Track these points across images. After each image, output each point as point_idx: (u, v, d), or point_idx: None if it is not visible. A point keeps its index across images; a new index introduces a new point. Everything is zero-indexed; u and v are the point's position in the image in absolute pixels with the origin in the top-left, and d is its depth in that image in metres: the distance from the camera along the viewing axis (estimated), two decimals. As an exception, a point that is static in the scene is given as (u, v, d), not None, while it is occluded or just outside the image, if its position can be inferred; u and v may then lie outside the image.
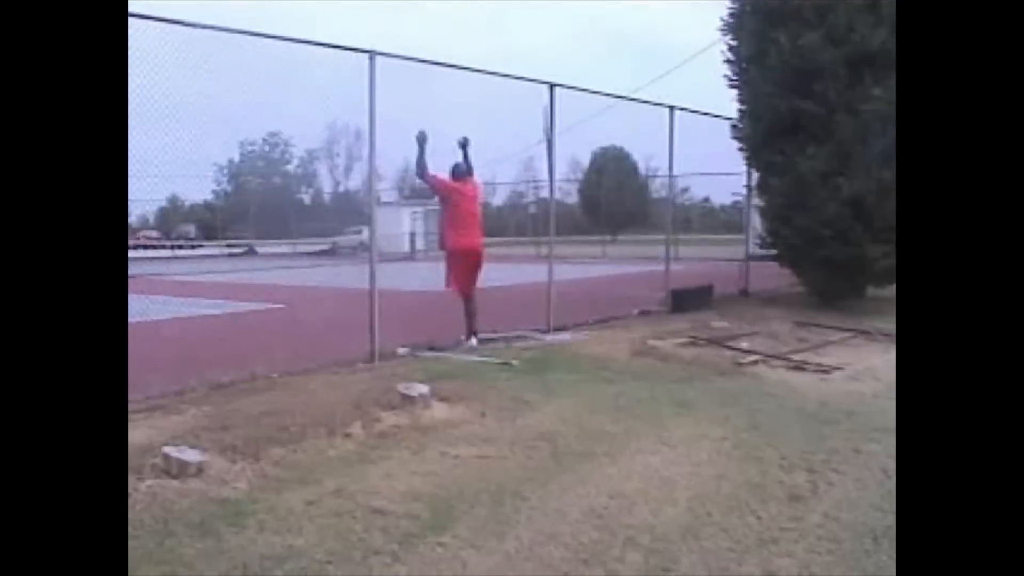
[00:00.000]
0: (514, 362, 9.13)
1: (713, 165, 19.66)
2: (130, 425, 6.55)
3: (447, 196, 10.62)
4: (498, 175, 57.11)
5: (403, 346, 9.91)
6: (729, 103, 15.44)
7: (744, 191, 18.12)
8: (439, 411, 6.97)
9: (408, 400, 6.94)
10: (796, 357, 9.76)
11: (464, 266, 10.68)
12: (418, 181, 11.39)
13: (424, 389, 7.15)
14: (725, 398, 7.76)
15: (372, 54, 9.24)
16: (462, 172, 10.67)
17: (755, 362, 9.54)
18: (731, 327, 12.01)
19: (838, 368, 9.12)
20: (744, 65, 14.65)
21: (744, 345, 10.55)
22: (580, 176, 57.73)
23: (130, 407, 7.03)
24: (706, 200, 54.80)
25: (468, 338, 10.61)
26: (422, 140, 10.17)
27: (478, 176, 11.17)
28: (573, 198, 61.17)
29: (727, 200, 47.25)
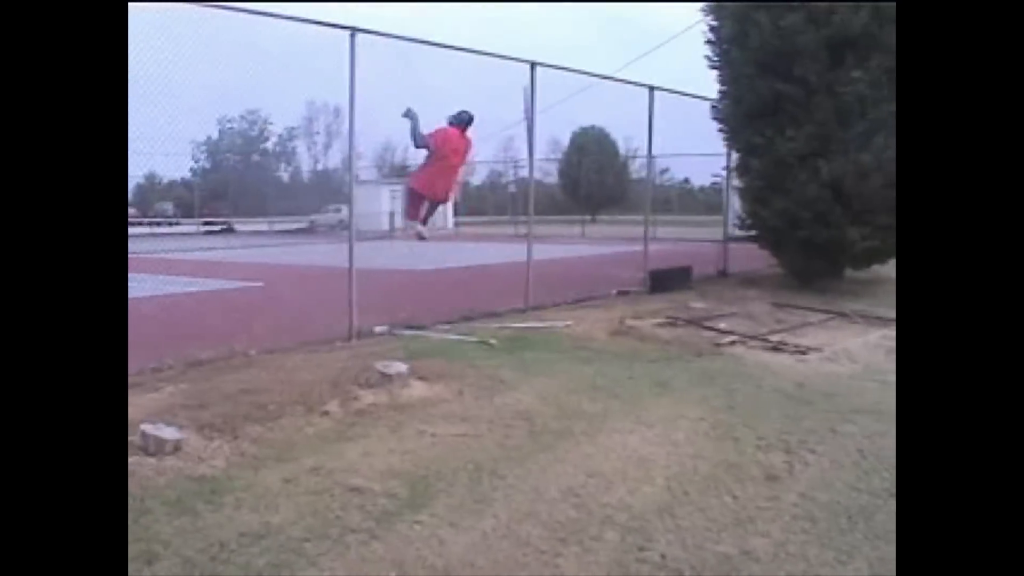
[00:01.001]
0: (492, 341, 9.14)
1: (693, 146, 19.69)
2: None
3: (438, 152, 10.36)
4: (477, 154, 56.87)
5: (381, 324, 9.88)
6: (712, 84, 15.45)
7: (724, 172, 18.15)
8: (417, 389, 6.96)
9: (386, 378, 6.92)
10: (774, 338, 9.80)
11: (417, 202, 10.40)
12: (414, 149, 11.13)
13: (402, 367, 7.14)
14: (703, 378, 7.79)
15: (353, 31, 9.20)
16: (464, 121, 10.38)
17: (733, 343, 9.57)
18: (710, 308, 12.04)
19: (815, 349, 9.16)
20: (725, 46, 14.61)
21: (722, 326, 10.57)
22: (560, 156, 57.75)
23: (106, 384, 7.02)
24: (686, 181, 54.97)
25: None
26: (413, 115, 10.01)
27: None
28: (553, 178, 61.17)
29: (707, 181, 47.47)
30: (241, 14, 8.58)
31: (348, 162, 10.80)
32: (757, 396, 7.14)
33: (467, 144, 10.32)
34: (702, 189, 54.31)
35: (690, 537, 4.19)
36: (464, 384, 7.20)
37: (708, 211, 44.19)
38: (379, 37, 9.72)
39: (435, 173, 10.12)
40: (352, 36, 9.21)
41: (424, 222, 10.57)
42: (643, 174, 51.69)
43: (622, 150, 56.06)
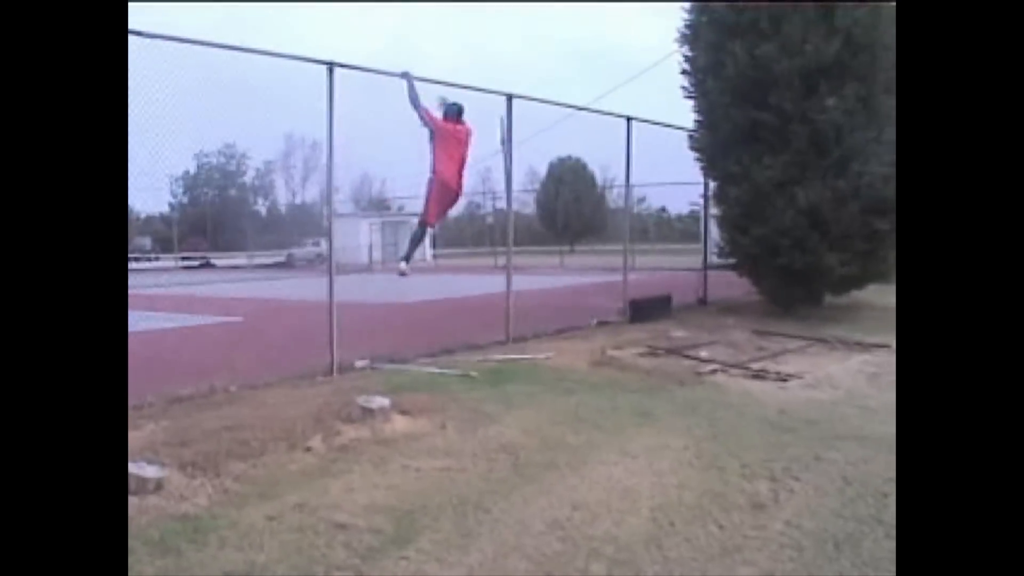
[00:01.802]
0: (473, 373, 9.11)
1: (669, 175, 19.74)
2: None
3: (438, 134, 10.29)
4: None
5: (362, 358, 9.85)
6: (688, 113, 15.55)
7: (701, 201, 18.23)
8: (400, 424, 6.94)
9: (368, 413, 6.89)
10: (755, 366, 9.82)
11: (440, 196, 10.35)
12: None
13: (384, 402, 7.11)
14: (685, 408, 7.79)
15: (331, 65, 9.24)
16: (453, 112, 10.31)
17: (714, 371, 9.58)
18: (690, 336, 12.07)
19: (797, 376, 9.18)
20: (700, 76, 14.72)
21: (703, 354, 10.59)
22: (537, 187, 57.92)
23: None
24: (663, 210, 55.19)
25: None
26: (410, 77, 9.95)
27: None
28: (530, 208, 61.33)
29: (683, 209, 47.65)
30: (216, 49, 8.59)
31: (327, 196, 10.78)
32: (740, 424, 7.14)
33: (466, 132, 10.27)
34: (679, 217, 54.59)
35: (678, 568, 4.18)
36: (447, 417, 7.17)
37: (685, 239, 44.38)
38: (356, 71, 9.73)
39: (444, 159, 10.04)
40: (330, 71, 9.24)
41: (408, 259, 10.60)
42: (620, 204, 52.11)
43: (599, 180, 56.38)
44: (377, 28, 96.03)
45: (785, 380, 9.06)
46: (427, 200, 10.11)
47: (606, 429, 6.94)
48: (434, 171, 9.96)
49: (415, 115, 9.87)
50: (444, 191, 10.08)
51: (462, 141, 10.14)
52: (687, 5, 15.07)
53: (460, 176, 10.20)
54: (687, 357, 10.46)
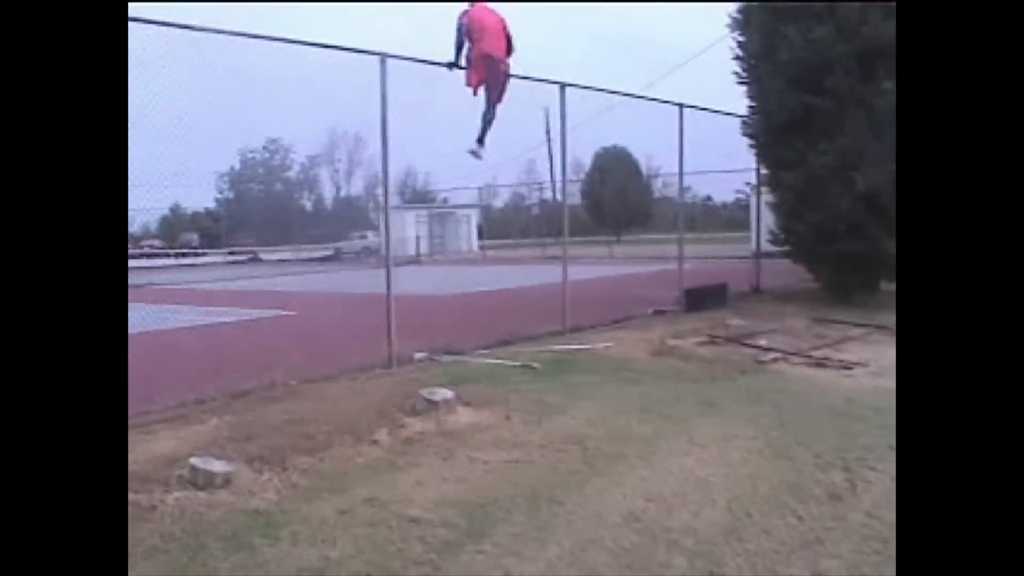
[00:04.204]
0: (534, 364, 9.04)
1: (713, 162, 19.52)
2: (152, 435, 6.52)
3: (471, 25, 10.44)
4: (499, 178, 57.21)
5: (420, 350, 9.80)
6: (727, 101, 15.40)
7: (749, 188, 18.03)
8: (464, 416, 6.88)
9: (432, 405, 6.84)
10: (816, 354, 9.67)
11: (489, 68, 10.49)
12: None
13: (448, 394, 7.06)
14: (750, 396, 7.68)
15: (383, 56, 9.16)
16: None
17: (776, 360, 9.45)
18: (748, 325, 11.92)
19: (860, 364, 9.03)
20: (753, 61, 14.54)
21: (763, 343, 10.45)
22: (582, 177, 57.78)
23: (151, 417, 7.01)
24: (708, 198, 54.84)
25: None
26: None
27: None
28: (575, 199, 61.29)
29: (728, 197, 47.35)
30: (265, 41, 8.56)
31: (383, 187, 10.72)
32: (807, 413, 7.02)
33: (498, 16, 10.57)
34: (724, 205, 54.28)
35: (760, 560, 4.08)
36: (511, 409, 7.11)
37: (731, 227, 44.10)
38: (405, 62, 9.69)
39: (484, 40, 10.33)
40: (383, 62, 9.17)
41: (481, 140, 10.74)
42: (665, 192, 52.19)
43: (644, 169, 56.21)
44: (408, 20, 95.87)
45: (849, 368, 8.91)
46: (485, 87, 10.46)
47: (672, 419, 6.84)
48: (478, 53, 10.32)
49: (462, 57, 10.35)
50: (491, 64, 10.37)
51: (495, 17, 10.52)
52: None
53: (503, 50, 10.55)
54: (747, 346, 10.33)
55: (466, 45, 10.31)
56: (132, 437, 6.28)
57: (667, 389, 7.98)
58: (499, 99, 10.61)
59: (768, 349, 10.02)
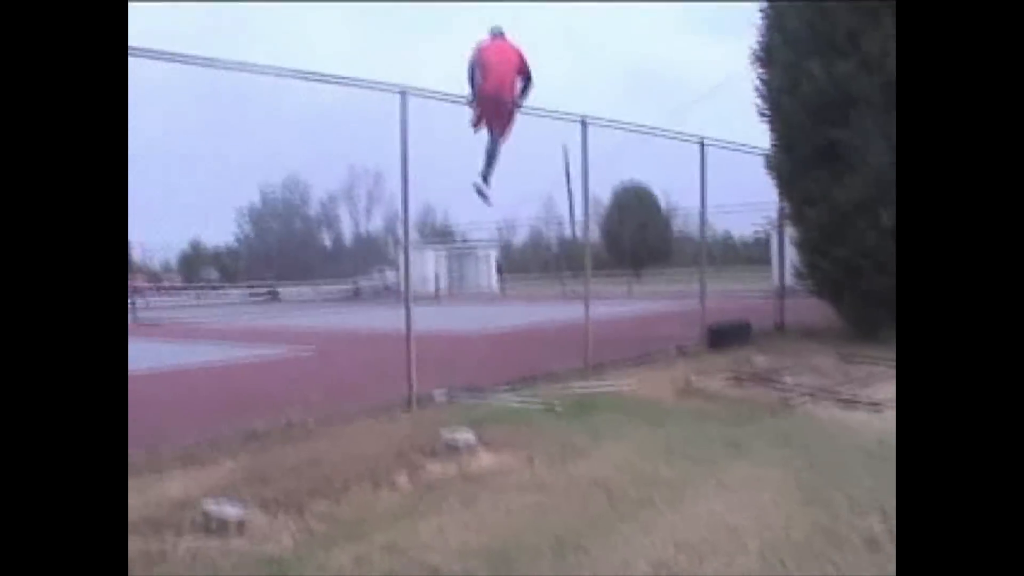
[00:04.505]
0: (557, 405, 8.84)
1: (731, 197, 19.41)
2: (165, 477, 6.37)
3: (480, 61, 10.54)
4: (517, 216, 57.29)
5: (440, 390, 9.63)
6: (743, 135, 15.28)
7: (768, 224, 17.89)
8: (486, 459, 6.70)
9: (453, 448, 6.68)
10: (844, 392, 9.46)
11: (496, 109, 10.52)
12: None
13: (469, 436, 6.88)
14: (779, 438, 7.47)
15: (404, 92, 9.06)
16: (497, 32, 10.70)
17: (803, 399, 9.24)
18: (773, 363, 11.71)
19: (890, 402, 8.80)
20: (776, 96, 14.43)
21: (789, 381, 10.25)
22: (601, 213, 57.75)
23: (164, 457, 6.87)
24: (727, 234, 54.74)
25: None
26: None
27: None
28: (593, 235, 61.21)
29: (747, 232, 47.19)
30: (285, 79, 8.50)
31: (403, 225, 10.66)
32: (838, 455, 6.81)
33: (512, 48, 10.58)
34: (743, 240, 54.19)
35: (798, 615, 3.89)
36: (534, 452, 6.91)
37: (750, 262, 43.98)
38: (426, 101, 9.61)
39: (490, 77, 10.39)
40: (403, 97, 9.08)
41: (486, 178, 10.69)
42: (685, 229, 52.15)
43: (663, 205, 56.19)
44: (428, 55, 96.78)
45: (878, 407, 8.69)
46: (487, 122, 10.53)
47: (700, 462, 6.65)
48: (481, 94, 10.33)
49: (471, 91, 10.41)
50: (497, 104, 10.40)
51: (507, 54, 10.45)
52: (760, 25, 14.83)
53: (514, 84, 10.49)
54: (773, 385, 10.12)
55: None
56: (144, 479, 6.16)
57: (694, 430, 7.79)
58: (503, 134, 10.55)
59: (795, 388, 9.82)
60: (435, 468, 6.41)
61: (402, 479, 6.17)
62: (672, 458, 6.75)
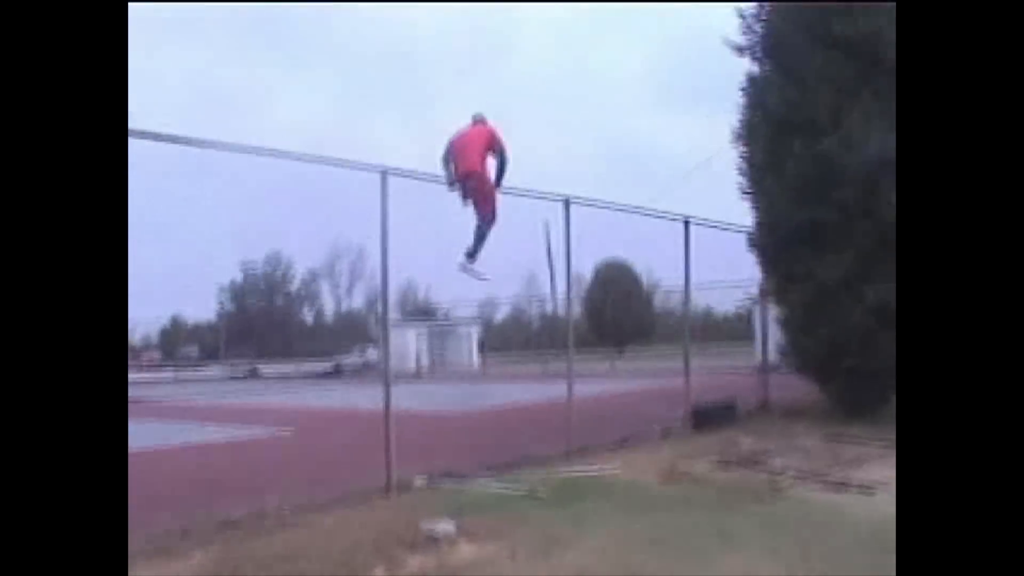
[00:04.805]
0: (540, 491, 8.60)
1: (714, 274, 19.32)
2: (131, 571, 6.08)
3: (456, 147, 10.62)
4: (500, 291, 57.34)
5: (420, 474, 9.38)
6: (722, 212, 15.30)
7: (749, 300, 17.87)
8: (467, 551, 6.44)
9: (433, 540, 6.44)
10: (834, 475, 9.27)
11: (480, 187, 10.53)
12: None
13: (449, 526, 6.65)
14: (770, 526, 7.23)
15: (384, 172, 9.04)
16: (479, 118, 10.79)
17: (792, 483, 9.04)
18: (760, 445, 11.51)
19: (882, 485, 8.59)
20: (758, 174, 14.42)
21: (777, 464, 10.06)
22: (583, 289, 57.83)
23: (131, 548, 6.57)
24: (708, 310, 54.81)
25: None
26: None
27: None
28: (575, 311, 61.16)
29: (728, 308, 47.23)
30: (267, 157, 8.45)
31: (382, 303, 10.58)
32: (833, 545, 6.57)
33: (487, 130, 10.65)
34: (724, 317, 54.20)
35: None
36: (516, 543, 6.64)
37: (732, 338, 43.94)
38: (408, 179, 9.59)
39: (465, 157, 10.43)
40: (384, 177, 9.02)
41: (473, 256, 10.60)
42: (667, 305, 52.19)
43: (644, 282, 56.39)
44: (415, 133, 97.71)
45: (869, 490, 8.49)
46: (473, 203, 10.54)
47: (690, 554, 6.40)
48: (456, 176, 10.48)
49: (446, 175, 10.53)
50: (479, 182, 10.49)
51: (482, 135, 10.56)
52: (741, 102, 14.87)
53: (483, 161, 10.53)
54: (761, 468, 9.92)
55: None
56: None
57: (681, 519, 7.54)
58: (489, 213, 10.53)
59: (783, 472, 9.61)
60: (414, 562, 6.16)
61: (379, 573, 5.91)
62: (661, 550, 6.50)
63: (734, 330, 47.54)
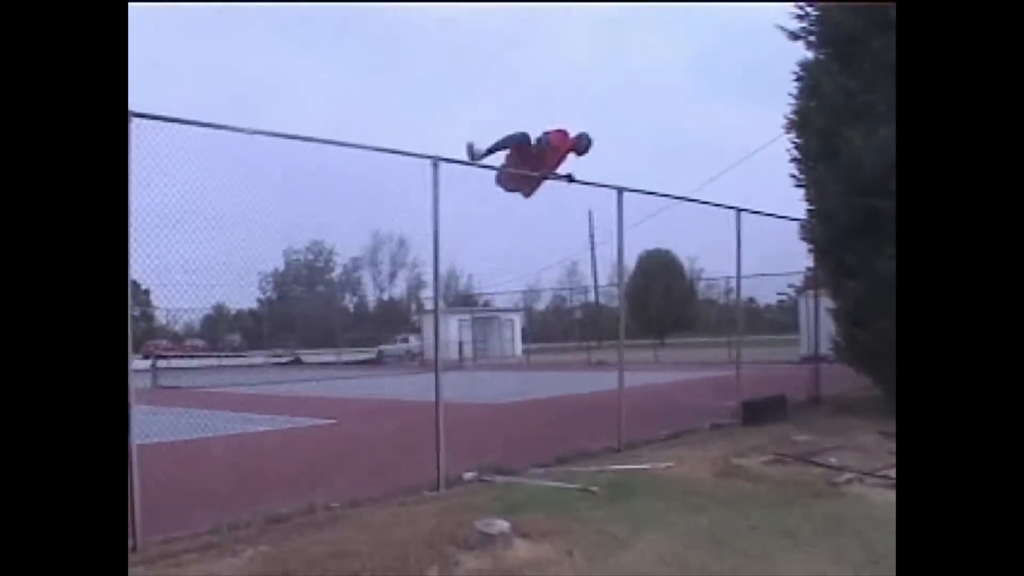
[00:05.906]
0: (594, 488, 8.41)
1: (759, 264, 19.02)
2: (181, 569, 6.01)
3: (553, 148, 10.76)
4: (539, 281, 57.21)
5: (470, 469, 9.22)
6: (768, 202, 15.00)
7: (794, 290, 17.60)
8: (523, 550, 6.27)
9: (487, 538, 6.26)
10: (893, 473, 9.00)
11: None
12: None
13: (504, 525, 6.47)
14: (831, 525, 7.00)
15: (435, 160, 8.89)
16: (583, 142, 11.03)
17: (850, 481, 8.81)
18: (814, 440, 11.26)
19: (943, 486, 8.35)
20: (812, 164, 14.12)
21: (833, 461, 9.81)
22: (626, 279, 57.64)
23: (181, 545, 6.53)
24: (751, 300, 54.39)
25: None
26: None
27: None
28: (616, 302, 61.00)
29: (771, 299, 46.83)
30: (313, 143, 8.33)
31: (434, 291, 10.43)
32: (899, 546, 6.35)
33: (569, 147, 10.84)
34: (768, 308, 53.73)
35: None
36: (572, 542, 6.46)
37: (776, 330, 43.55)
38: (457, 165, 9.48)
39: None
40: (435, 166, 8.91)
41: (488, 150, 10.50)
42: (710, 295, 51.95)
43: (687, 271, 56.08)
44: (467, 123, 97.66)
45: (931, 490, 8.23)
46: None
47: (751, 554, 6.20)
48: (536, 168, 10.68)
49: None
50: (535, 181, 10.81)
51: (568, 149, 10.95)
52: (794, 91, 14.59)
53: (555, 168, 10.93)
54: (817, 464, 9.68)
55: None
56: (160, 570, 5.82)
57: (739, 517, 7.32)
58: (529, 192, 10.60)
59: (840, 468, 9.37)
60: (469, 561, 5.99)
61: (433, 573, 5.76)
62: (720, 549, 6.30)
63: (777, 321, 47.20)
